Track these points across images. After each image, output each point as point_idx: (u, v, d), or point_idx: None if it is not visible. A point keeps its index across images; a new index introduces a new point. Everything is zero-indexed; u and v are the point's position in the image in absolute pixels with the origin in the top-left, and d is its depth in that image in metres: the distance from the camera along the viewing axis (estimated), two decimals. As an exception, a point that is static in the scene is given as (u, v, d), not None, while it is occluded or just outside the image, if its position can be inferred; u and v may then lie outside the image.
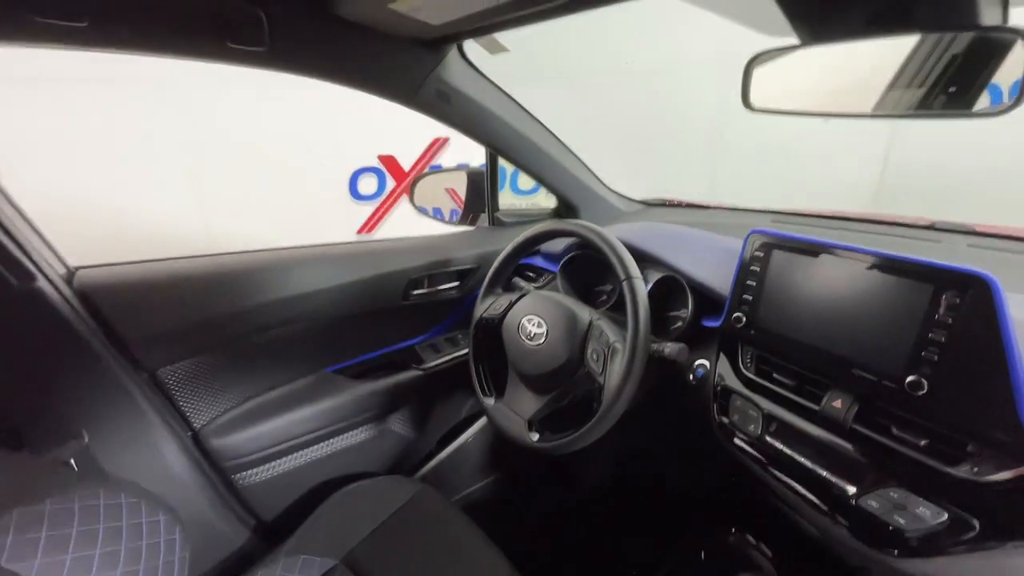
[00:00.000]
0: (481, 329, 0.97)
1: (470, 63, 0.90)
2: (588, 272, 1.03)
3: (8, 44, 0.54)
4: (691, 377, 0.85)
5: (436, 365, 1.18)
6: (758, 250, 0.74)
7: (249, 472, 0.99)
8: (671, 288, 0.89)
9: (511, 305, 0.93)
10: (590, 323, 0.81)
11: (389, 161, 3.34)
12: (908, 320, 0.58)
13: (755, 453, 0.72)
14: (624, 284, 0.75)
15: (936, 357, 0.55)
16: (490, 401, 0.93)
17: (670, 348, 0.78)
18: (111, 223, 2.51)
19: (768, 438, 0.70)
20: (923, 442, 0.58)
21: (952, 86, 0.46)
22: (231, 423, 0.98)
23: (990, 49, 0.43)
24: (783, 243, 0.71)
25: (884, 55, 0.48)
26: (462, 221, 1.35)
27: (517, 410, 0.87)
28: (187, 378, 0.93)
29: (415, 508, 0.95)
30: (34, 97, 2.25)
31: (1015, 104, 0.44)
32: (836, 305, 0.65)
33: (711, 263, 0.85)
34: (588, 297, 1.04)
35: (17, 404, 0.73)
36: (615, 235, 0.96)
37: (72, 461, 0.75)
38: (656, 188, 1.45)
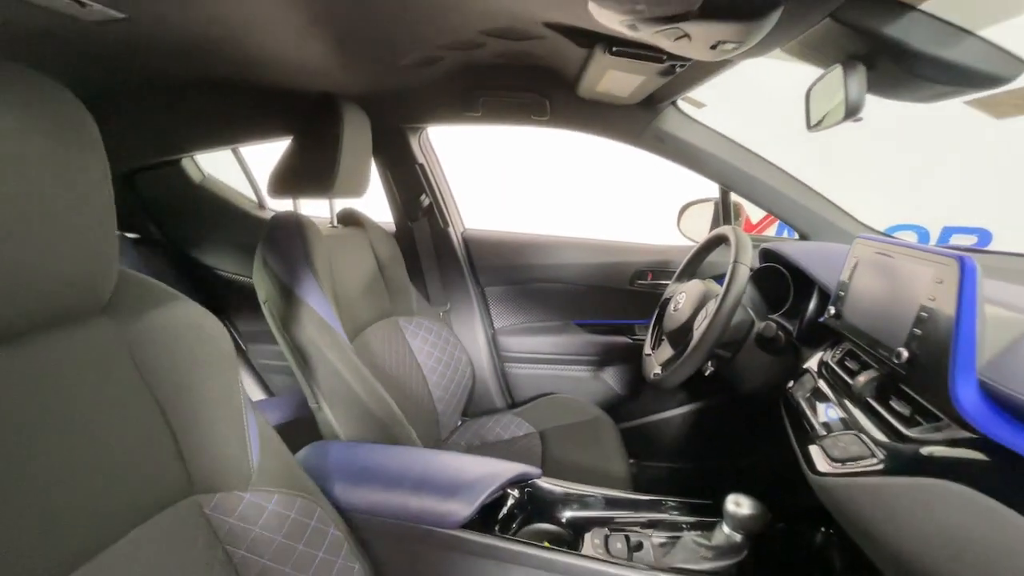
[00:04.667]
0: (662, 304, 1.30)
1: (684, 114, 1.27)
2: (779, 286, 1.18)
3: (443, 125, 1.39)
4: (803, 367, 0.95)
5: (641, 341, 1.54)
6: (856, 253, 0.84)
7: (513, 364, 1.65)
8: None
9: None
10: (713, 298, 1.05)
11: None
12: (915, 301, 0.65)
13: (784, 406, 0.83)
14: (731, 265, 0.98)
15: (920, 332, 0.62)
16: (648, 349, 1.26)
17: (760, 325, 0.94)
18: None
19: (790, 390, 0.81)
20: (907, 412, 0.63)
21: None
22: (512, 331, 1.66)
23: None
24: (870, 245, 0.80)
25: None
26: (706, 242, 1.65)
27: (657, 357, 1.18)
28: (498, 298, 1.66)
29: (595, 429, 1.37)
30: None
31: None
32: (883, 294, 0.73)
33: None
34: (772, 306, 1.20)
35: (434, 281, 1.60)
36: (786, 249, 1.13)
37: (441, 313, 1.57)
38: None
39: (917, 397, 0.63)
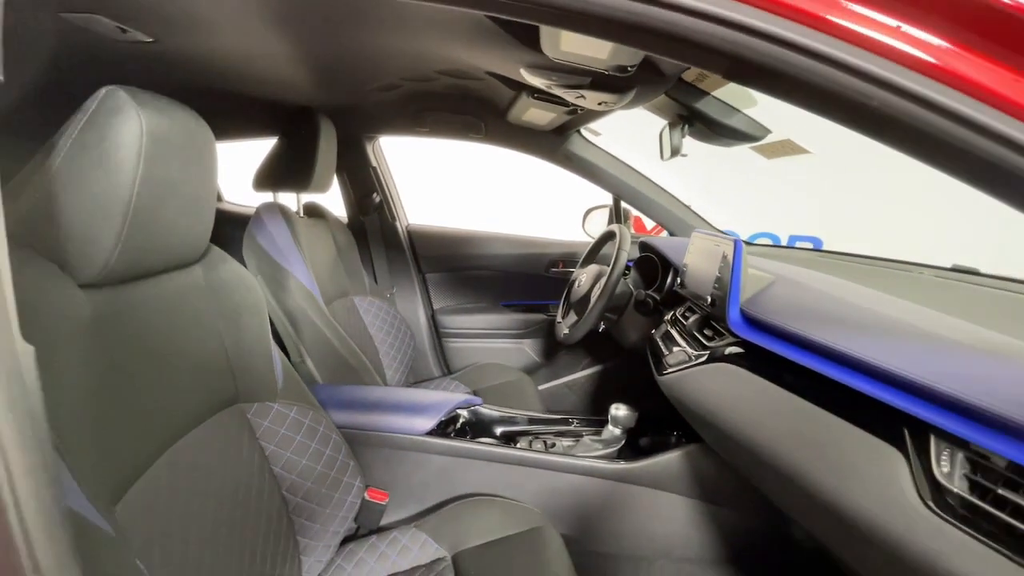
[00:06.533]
0: (569, 284, 1.68)
1: (587, 140, 1.67)
2: (654, 269, 1.60)
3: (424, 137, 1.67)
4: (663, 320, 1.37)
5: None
6: (693, 242, 1.25)
7: (450, 339, 1.95)
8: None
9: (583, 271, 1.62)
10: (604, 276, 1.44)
11: (636, 220, 4.28)
12: (715, 267, 1.06)
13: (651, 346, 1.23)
14: (615, 252, 1.37)
15: (717, 286, 1.03)
16: (559, 318, 1.62)
17: (637, 292, 1.35)
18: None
19: (652, 334, 1.22)
20: (711, 334, 1.04)
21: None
22: (449, 311, 1.96)
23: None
24: (700, 237, 1.22)
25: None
26: (606, 239, 2.06)
27: (566, 323, 1.55)
28: (437, 283, 1.96)
29: (519, 388, 1.72)
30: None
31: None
32: (703, 266, 1.14)
33: None
34: (648, 283, 1.62)
35: (383, 267, 1.86)
36: (655, 241, 1.55)
37: (389, 295, 1.84)
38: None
39: (716, 325, 1.04)
